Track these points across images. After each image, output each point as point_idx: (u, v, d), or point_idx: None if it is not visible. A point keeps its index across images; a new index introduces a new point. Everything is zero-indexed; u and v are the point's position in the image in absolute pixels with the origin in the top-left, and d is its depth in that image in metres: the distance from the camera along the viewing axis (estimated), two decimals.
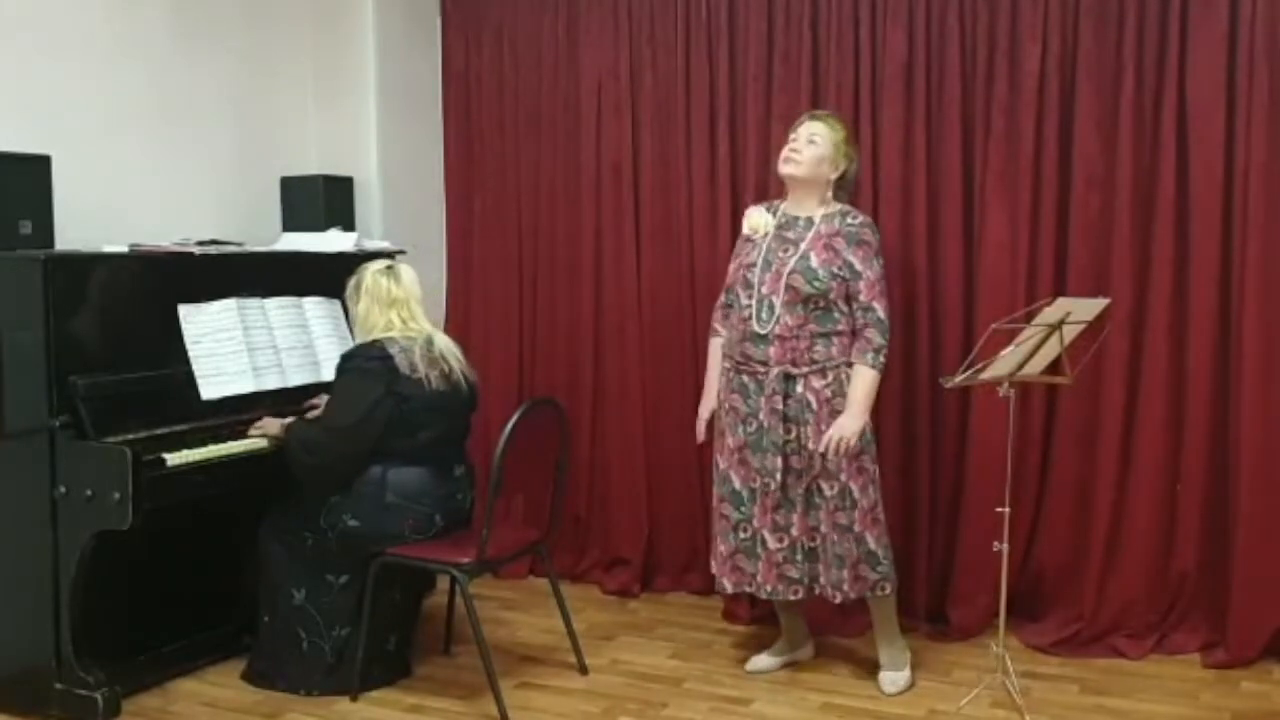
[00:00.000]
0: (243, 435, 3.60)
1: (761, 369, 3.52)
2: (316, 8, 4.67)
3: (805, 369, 3.49)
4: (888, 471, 3.81)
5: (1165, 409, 3.83)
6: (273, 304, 3.91)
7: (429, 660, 3.90)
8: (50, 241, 3.50)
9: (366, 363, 3.47)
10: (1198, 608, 3.87)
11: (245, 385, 3.72)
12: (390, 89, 4.69)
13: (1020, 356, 3.34)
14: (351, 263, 3.78)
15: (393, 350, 3.48)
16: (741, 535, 3.59)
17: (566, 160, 4.69)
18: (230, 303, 3.77)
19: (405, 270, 3.65)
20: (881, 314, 3.51)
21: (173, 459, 3.37)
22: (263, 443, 3.59)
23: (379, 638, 3.65)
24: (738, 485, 3.59)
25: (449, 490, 3.58)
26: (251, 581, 3.74)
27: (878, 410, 3.67)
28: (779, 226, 3.59)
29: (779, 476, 3.50)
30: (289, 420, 3.60)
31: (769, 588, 3.56)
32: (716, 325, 3.78)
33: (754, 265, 3.55)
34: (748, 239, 3.64)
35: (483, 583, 4.55)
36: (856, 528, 3.53)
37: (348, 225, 4.42)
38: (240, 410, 3.66)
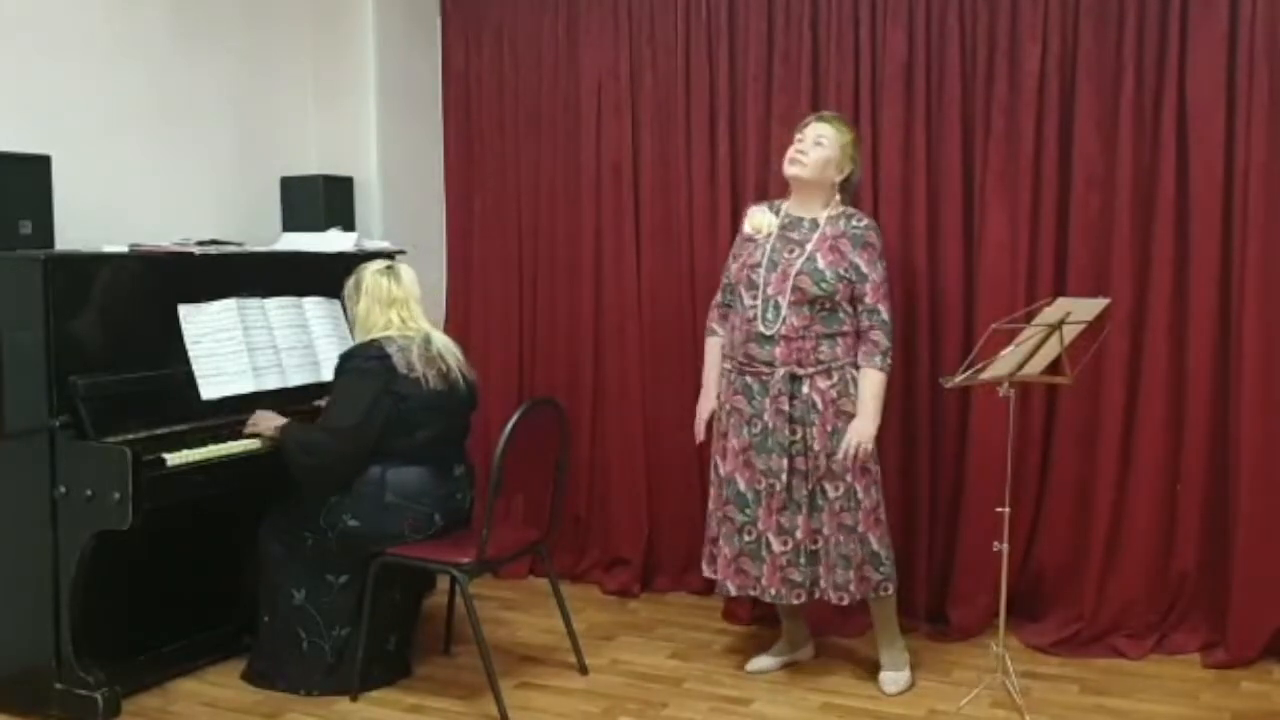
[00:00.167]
0: (243, 435, 3.59)
1: (766, 370, 3.51)
2: (316, 8, 4.67)
3: (811, 369, 3.49)
4: (888, 471, 3.81)
5: (1165, 409, 3.83)
6: (273, 304, 3.91)
7: (429, 660, 3.90)
8: (50, 241, 3.50)
9: (365, 362, 3.47)
10: (1198, 608, 3.87)
11: (245, 385, 3.71)
12: (390, 89, 4.69)
13: (1020, 356, 3.34)
14: (351, 263, 3.78)
15: (390, 349, 3.48)
16: (746, 538, 3.57)
17: (566, 160, 4.69)
18: (230, 303, 3.77)
19: (405, 270, 3.65)
20: (886, 316, 3.53)
21: (173, 459, 3.37)
22: (262, 442, 3.58)
23: (379, 638, 3.65)
24: (742, 487, 3.57)
25: (448, 490, 3.58)
26: (251, 581, 3.74)
27: None
28: (782, 227, 3.58)
29: (784, 478, 3.50)
30: (284, 421, 3.58)
31: (773, 591, 3.54)
32: (714, 325, 3.77)
33: (758, 266, 3.54)
34: (749, 239, 3.63)
35: (483, 583, 4.55)
36: (860, 528, 3.53)
37: (348, 225, 4.42)
38: (240, 410, 3.66)
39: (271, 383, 3.80)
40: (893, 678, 3.66)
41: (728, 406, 3.63)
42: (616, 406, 4.62)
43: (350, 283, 3.64)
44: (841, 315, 3.52)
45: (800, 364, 3.49)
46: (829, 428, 3.49)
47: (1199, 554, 3.83)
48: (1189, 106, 3.75)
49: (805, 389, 3.50)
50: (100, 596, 3.46)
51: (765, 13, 4.27)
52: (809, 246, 3.51)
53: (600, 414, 4.67)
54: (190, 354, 3.62)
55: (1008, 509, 3.45)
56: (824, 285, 3.47)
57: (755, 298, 3.52)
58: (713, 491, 3.72)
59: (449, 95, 4.91)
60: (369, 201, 4.63)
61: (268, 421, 3.59)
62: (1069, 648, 3.91)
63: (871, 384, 3.50)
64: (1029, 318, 3.40)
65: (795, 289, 3.47)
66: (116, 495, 3.19)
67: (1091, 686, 3.66)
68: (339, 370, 3.53)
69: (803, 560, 3.52)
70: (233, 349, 3.72)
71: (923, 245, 4.05)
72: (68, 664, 3.33)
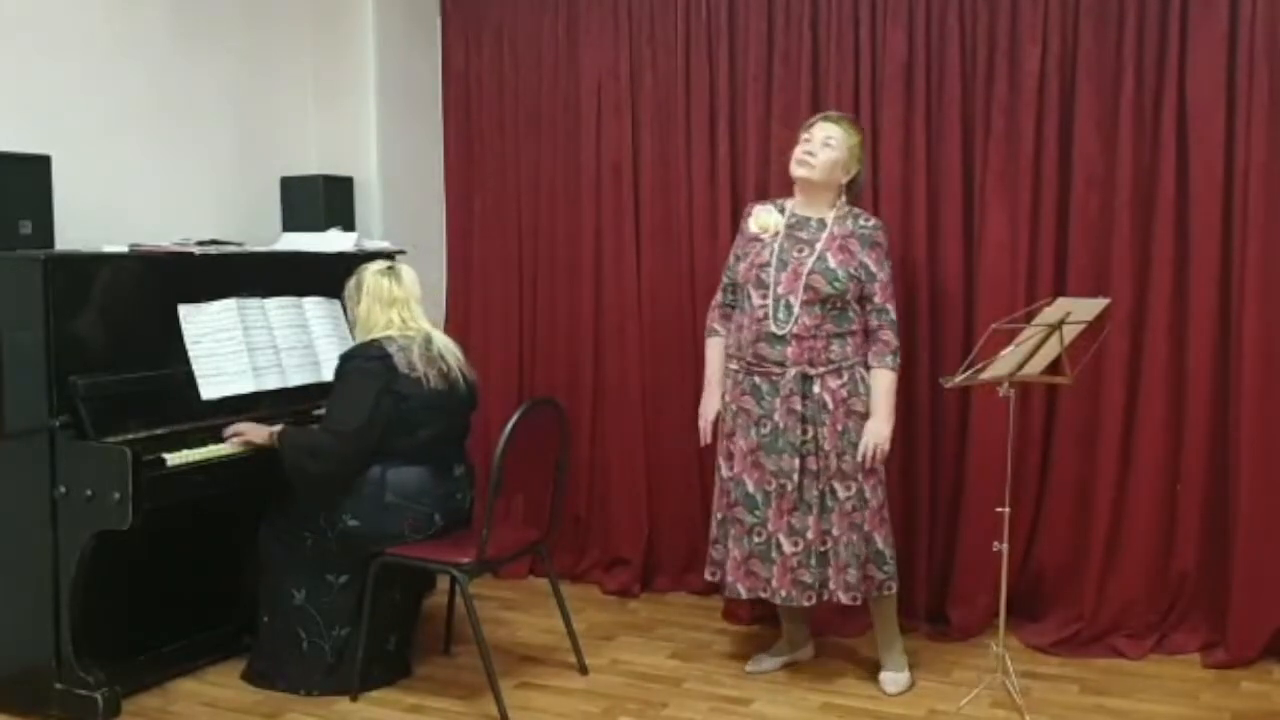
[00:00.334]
0: (230, 444, 3.56)
1: (777, 370, 3.50)
2: (316, 8, 4.67)
3: (822, 369, 3.49)
4: (888, 471, 3.81)
5: (1165, 409, 3.83)
6: (273, 304, 3.91)
7: (429, 660, 3.90)
8: (50, 241, 3.50)
9: (366, 363, 3.47)
10: (1198, 608, 3.87)
11: (245, 385, 3.71)
12: (390, 89, 4.69)
13: (1020, 356, 3.34)
14: (351, 263, 3.78)
15: (391, 349, 3.48)
16: (756, 540, 3.56)
17: (566, 160, 4.68)
18: (230, 303, 3.77)
19: (405, 270, 3.65)
20: (894, 315, 3.56)
21: (173, 459, 3.37)
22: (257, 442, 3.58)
23: (379, 638, 3.65)
24: (751, 489, 3.56)
25: (448, 490, 3.58)
26: (251, 581, 3.74)
27: None
28: (789, 226, 3.58)
29: (795, 478, 3.49)
30: (279, 428, 3.56)
31: (784, 593, 3.53)
32: (715, 325, 3.77)
33: (767, 265, 3.53)
34: (755, 238, 3.62)
35: (483, 583, 4.55)
36: (866, 527, 3.54)
37: (348, 225, 4.42)
38: (240, 410, 3.66)
39: (271, 383, 3.80)
40: (893, 678, 3.66)
41: (734, 407, 3.62)
42: (616, 406, 4.62)
43: (351, 283, 3.64)
44: (850, 314, 3.52)
45: (811, 363, 3.48)
46: (839, 427, 3.50)
47: (1199, 554, 3.83)
48: (1189, 106, 3.75)
49: (816, 388, 3.49)
50: (100, 596, 3.46)
51: (765, 13, 4.27)
52: (819, 246, 3.51)
53: (600, 414, 4.67)
54: (190, 354, 3.62)
55: (1008, 509, 3.45)
56: (836, 284, 3.47)
57: (765, 297, 3.51)
58: (716, 493, 3.71)
59: (449, 95, 4.91)
60: (369, 201, 4.63)
61: (257, 431, 3.57)
62: (1069, 648, 3.91)
63: (884, 384, 3.53)
64: (1029, 318, 3.40)
65: (808, 288, 3.47)
66: (116, 495, 3.19)
67: (1091, 686, 3.66)
68: (340, 371, 3.53)
69: (813, 562, 3.52)
70: (233, 349, 3.72)
71: (923, 245, 4.05)
72: (68, 664, 3.33)
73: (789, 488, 3.49)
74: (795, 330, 3.47)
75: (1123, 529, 3.89)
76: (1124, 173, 3.82)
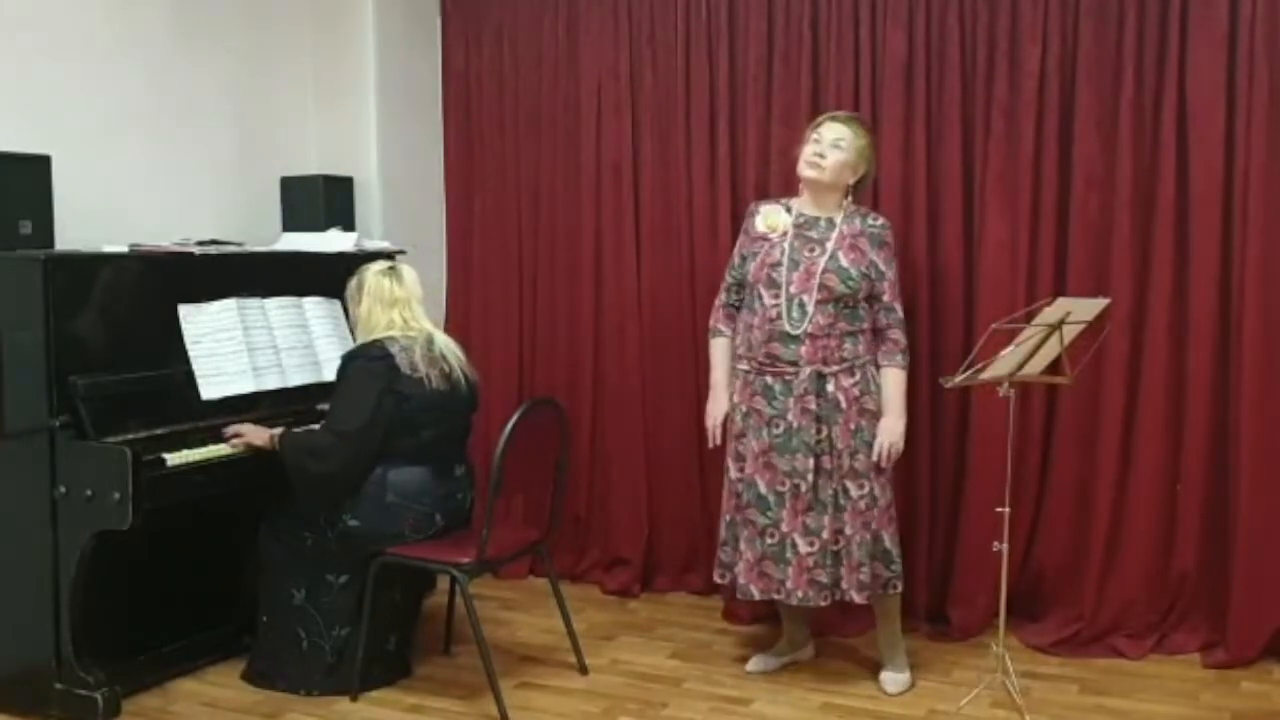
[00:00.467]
0: (230, 446, 3.56)
1: (790, 369, 3.49)
2: (316, 8, 4.67)
3: (835, 367, 3.49)
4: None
5: (1165, 409, 3.83)
6: (273, 304, 3.91)
7: (429, 660, 3.90)
8: (50, 241, 3.50)
9: (368, 363, 3.47)
10: (1198, 608, 3.87)
11: (245, 385, 3.71)
12: (390, 89, 4.69)
13: (1020, 356, 3.34)
14: (351, 263, 3.78)
15: (393, 349, 3.48)
16: (769, 541, 3.54)
17: (566, 160, 4.68)
18: (230, 303, 3.77)
19: (407, 270, 3.65)
20: (901, 314, 3.58)
21: (173, 459, 3.37)
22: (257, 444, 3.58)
23: (379, 638, 3.65)
24: (763, 490, 3.54)
25: (449, 490, 3.58)
26: (251, 581, 3.74)
27: None
28: (797, 225, 3.57)
29: (810, 478, 3.49)
30: (279, 430, 3.56)
31: (800, 594, 3.51)
32: (719, 326, 3.74)
33: (779, 265, 3.53)
34: (763, 237, 3.60)
35: (483, 583, 4.55)
36: (874, 525, 3.54)
37: (348, 225, 4.42)
38: (240, 410, 3.66)
39: (271, 383, 3.80)
40: (893, 678, 3.66)
41: (744, 408, 3.60)
42: (616, 406, 4.62)
43: (352, 283, 3.64)
44: (861, 313, 3.54)
45: (825, 362, 3.48)
46: (852, 426, 3.50)
47: (1199, 554, 3.83)
48: (1189, 106, 3.75)
49: (830, 387, 3.49)
50: (100, 596, 3.46)
51: (765, 13, 4.27)
52: (829, 245, 3.52)
53: (600, 414, 4.67)
54: (190, 354, 3.62)
55: (1008, 509, 3.45)
56: (850, 283, 3.48)
57: (777, 297, 3.51)
58: (724, 495, 3.69)
59: (449, 95, 4.91)
60: (369, 201, 4.63)
61: (257, 433, 3.57)
62: (1069, 648, 3.91)
63: (896, 382, 3.55)
64: (1029, 318, 3.40)
65: (822, 287, 3.47)
66: (116, 495, 3.19)
67: (1091, 686, 3.66)
68: (341, 371, 3.52)
69: (828, 561, 3.51)
70: (233, 349, 3.72)
71: (923, 245, 4.05)
72: (68, 664, 3.33)
73: (804, 488, 3.48)
74: (809, 329, 3.47)
75: (1123, 529, 3.89)
76: (1124, 173, 3.82)
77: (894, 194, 4.07)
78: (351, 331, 3.77)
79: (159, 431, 3.44)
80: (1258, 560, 3.71)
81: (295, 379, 3.87)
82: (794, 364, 3.49)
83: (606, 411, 4.65)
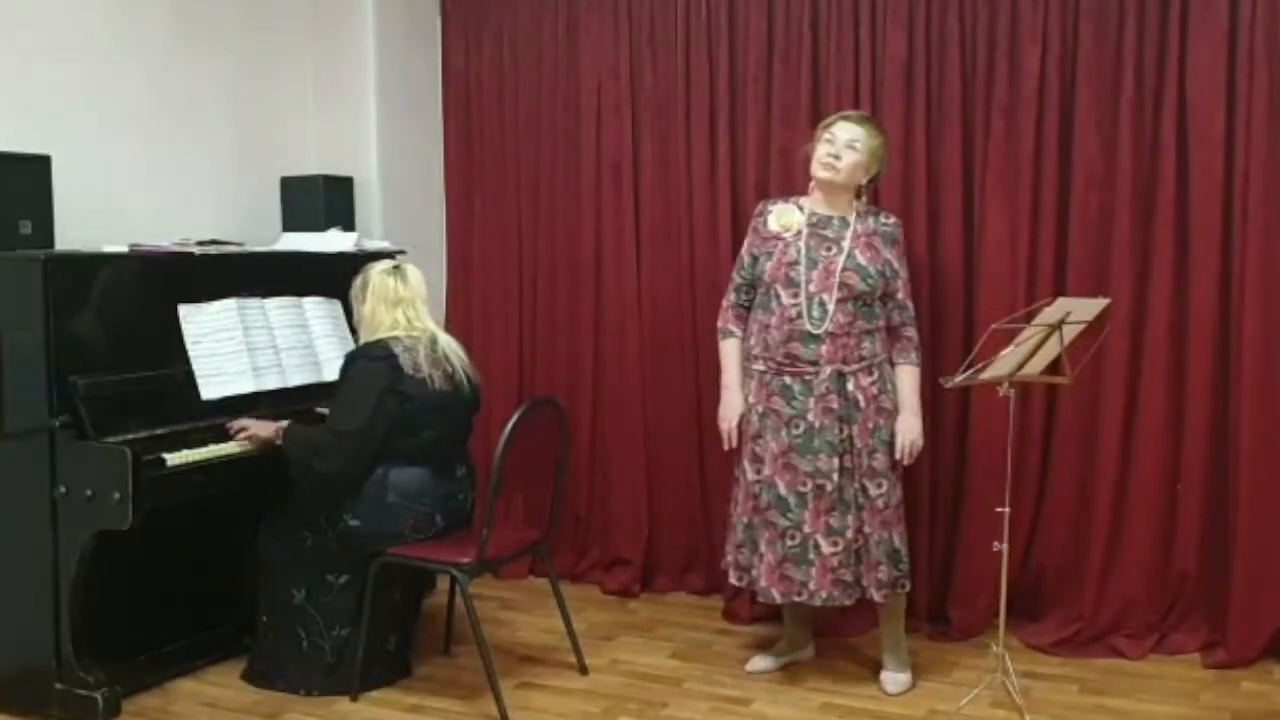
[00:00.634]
0: (234, 441, 3.58)
1: (810, 369, 3.49)
2: (316, 8, 4.67)
3: (855, 366, 3.50)
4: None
5: (1165, 409, 3.83)
6: (273, 304, 3.91)
7: (429, 660, 3.90)
8: (50, 241, 3.50)
9: (371, 363, 3.47)
10: (1198, 608, 3.87)
11: (245, 385, 3.71)
12: (390, 89, 4.69)
13: (1020, 356, 3.34)
14: (351, 263, 3.78)
15: (397, 349, 3.48)
16: (789, 543, 3.52)
17: (566, 160, 4.68)
18: (230, 303, 3.77)
19: (411, 270, 3.64)
20: (913, 311, 3.62)
21: (173, 459, 3.37)
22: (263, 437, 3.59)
23: (379, 638, 3.65)
24: (783, 491, 3.52)
25: (449, 490, 3.57)
26: (251, 581, 3.74)
27: None
28: (811, 225, 3.57)
29: (835, 478, 3.48)
30: (283, 424, 3.56)
31: (824, 594, 3.50)
32: (730, 326, 3.70)
33: (796, 264, 3.52)
34: (776, 237, 3.58)
35: (483, 583, 4.55)
36: (890, 524, 3.57)
37: (348, 225, 4.42)
38: (240, 410, 3.66)
39: (271, 383, 3.79)
40: (894, 678, 3.66)
41: (760, 409, 3.58)
42: (616, 406, 4.62)
43: (357, 282, 3.63)
44: (876, 310, 3.55)
45: (845, 361, 3.49)
46: (870, 425, 3.51)
47: (1199, 554, 3.83)
48: (1189, 106, 3.75)
49: (850, 386, 3.50)
50: (100, 596, 3.46)
51: (765, 13, 4.27)
52: (845, 244, 3.52)
53: (600, 414, 4.67)
54: (190, 354, 3.62)
55: (1008, 509, 3.45)
56: (869, 281, 3.49)
57: (796, 296, 3.50)
58: (739, 496, 3.68)
59: (449, 95, 4.90)
60: (369, 201, 4.63)
61: (261, 427, 3.57)
62: (1069, 648, 3.91)
63: (912, 380, 3.58)
64: (1029, 318, 3.40)
65: (842, 285, 3.47)
66: (116, 495, 3.19)
67: (1091, 686, 3.66)
68: (344, 370, 3.52)
69: (851, 561, 3.51)
70: (233, 349, 3.72)
71: (923, 245, 4.05)
72: (68, 664, 3.33)
73: (829, 488, 3.48)
74: (830, 328, 3.47)
75: (1123, 529, 3.89)
76: (1124, 173, 3.82)
77: (894, 194, 4.06)
78: (355, 330, 3.77)
79: (159, 431, 3.44)
80: (1258, 560, 3.71)
81: (295, 379, 3.87)
82: (814, 363, 3.48)
83: (606, 411, 4.65)
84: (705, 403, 4.41)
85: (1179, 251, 3.80)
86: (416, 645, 3.90)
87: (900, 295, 3.59)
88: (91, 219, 3.72)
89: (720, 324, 3.74)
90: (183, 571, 3.77)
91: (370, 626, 3.56)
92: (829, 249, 3.53)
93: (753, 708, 3.56)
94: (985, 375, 3.35)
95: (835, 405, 3.48)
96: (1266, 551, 3.70)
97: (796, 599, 3.54)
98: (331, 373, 3.83)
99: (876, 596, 3.55)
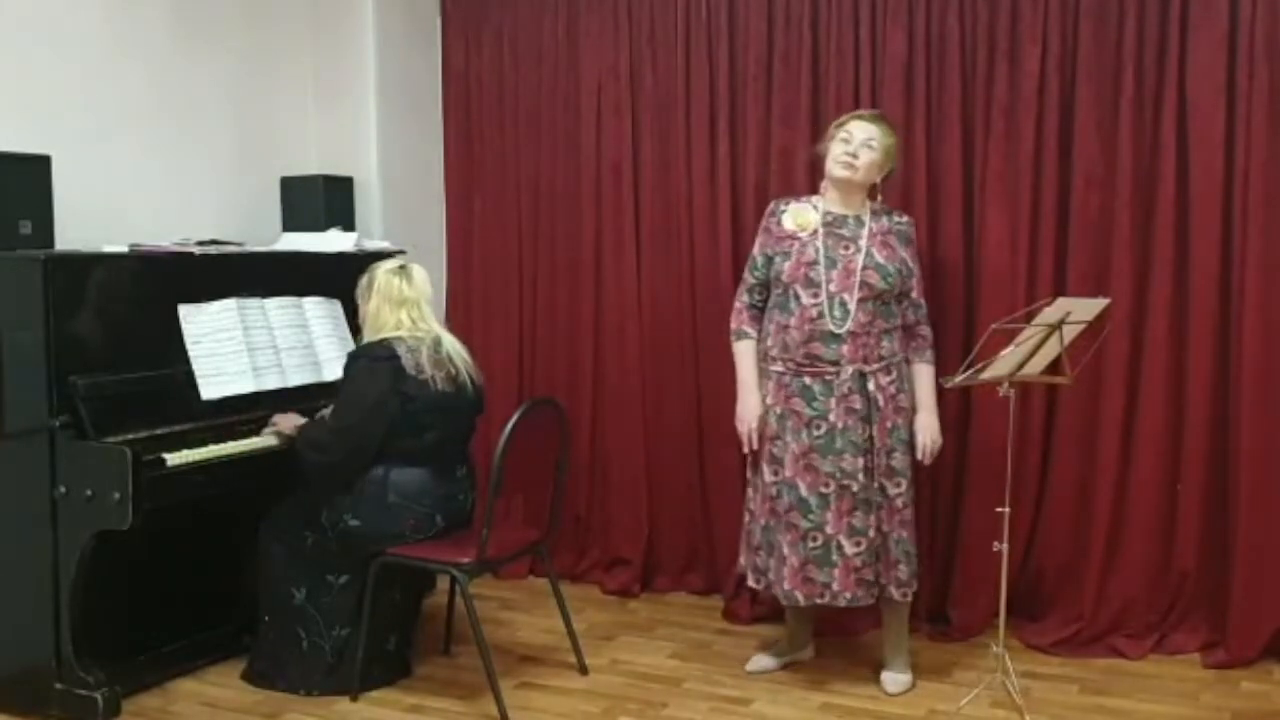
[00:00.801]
0: (243, 435, 3.60)
1: (831, 369, 3.48)
2: (316, 8, 4.67)
3: (875, 365, 3.50)
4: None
5: (1165, 409, 3.83)
6: (273, 304, 3.91)
7: (429, 660, 3.90)
8: (50, 241, 3.50)
9: (372, 362, 3.47)
10: (1198, 608, 3.87)
11: (245, 385, 3.71)
12: (390, 89, 4.69)
13: (1020, 356, 3.34)
14: (351, 263, 3.78)
15: (400, 350, 3.48)
16: (811, 544, 3.50)
17: (566, 160, 4.68)
18: (230, 303, 3.77)
19: (417, 270, 3.64)
20: (926, 310, 3.64)
21: (173, 459, 3.37)
22: (263, 442, 3.60)
23: (379, 638, 3.65)
24: (804, 492, 3.51)
25: (449, 491, 3.57)
26: (251, 581, 3.74)
27: None
28: (827, 224, 3.56)
29: (861, 478, 3.48)
30: (303, 421, 3.61)
31: (848, 595, 3.49)
32: (745, 328, 3.67)
33: (815, 263, 3.51)
34: (791, 236, 3.57)
35: (483, 583, 4.55)
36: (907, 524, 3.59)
37: (348, 225, 4.42)
38: (240, 410, 3.66)
39: (271, 383, 3.79)
40: (895, 678, 3.66)
41: (778, 410, 3.56)
42: (616, 406, 4.62)
43: (363, 281, 3.63)
44: (893, 309, 3.56)
45: (866, 360, 3.49)
46: (888, 424, 3.51)
47: (1199, 554, 3.83)
48: (1189, 106, 3.75)
49: (870, 386, 3.49)
50: (100, 596, 3.46)
51: (765, 13, 4.27)
52: (863, 242, 3.52)
53: (600, 414, 4.67)
54: (190, 354, 3.62)
55: (1008, 509, 3.45)
56: (889, 280, 3.50)
57: (817, 295, 3.49)
58: (756, 498, 3.66)
59: (449, 95, 4.90)
60: (369, 201, 4.63)
61: (288, 421, 3.63)
62: (1069, 648, 3.91)
63: (928, 378, 3.60)
64: (1029, 318, 3.40)
65: (864, 284, 3.47)
66: (116, 495, 3.19)
67: (1091, 686, 3.66)
68: (347, 369, 3.53)
69: (873, 560, 3.52)
70: (233, 349, 3.72)
71: (923, 245, 4.02)
72: (68, 664, 3.33)
73: (854, 488, 3.47)
74: (851, 328, 3.47)
75: (1123, 529, 3.89)
76: (1124, 173, 3.82)
77: (894, 194, 4.05)
78: (352, 330, 3.77)
79: (159, 431, 3.44)
80: (1258, 560, 3.71)
81: (295, 379, 3.87)
82: (835, 363, 3.48)
83: (606, 411, 4.65)
84: (705, 403, 4.42)
85: (1179, 251, 3.80)
86: (416, 645, 3.90)
87: (915, 294, 3.60)
88: (91, 219, 3.72)
89: (734, 325, 3.71)
90: (183, 571, 3.77)
91: (370, 626, 3.56)
92: (847, 248, 3.52)
93: (753, 708, 3.56)
94: (985, 375, 3.35)
95: (857, 405, 3.48)
96: (1266, 551, 3.70)
97: (820, 601, 3.53)
98: (331, 373, 3.84)
99: (896, 595, 3.55)
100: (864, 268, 3.48)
